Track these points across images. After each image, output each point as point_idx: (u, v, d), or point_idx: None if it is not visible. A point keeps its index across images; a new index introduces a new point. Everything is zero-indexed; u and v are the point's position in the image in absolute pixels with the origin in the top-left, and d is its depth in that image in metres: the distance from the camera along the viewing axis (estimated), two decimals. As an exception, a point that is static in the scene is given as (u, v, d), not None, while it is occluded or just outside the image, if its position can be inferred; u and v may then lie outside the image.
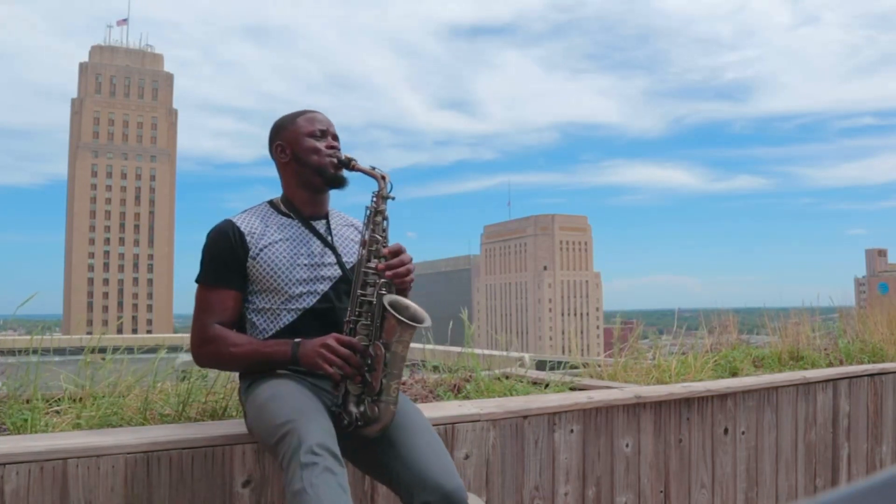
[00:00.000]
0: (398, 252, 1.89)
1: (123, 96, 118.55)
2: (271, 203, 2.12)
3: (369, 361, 1.82)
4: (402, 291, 1.93)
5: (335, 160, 2.03)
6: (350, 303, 1.90)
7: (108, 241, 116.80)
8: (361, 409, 1.81)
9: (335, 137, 2.10)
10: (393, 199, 1.97)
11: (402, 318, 1.79)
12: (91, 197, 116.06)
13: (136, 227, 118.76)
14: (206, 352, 1.97)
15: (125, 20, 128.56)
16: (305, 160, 2.05)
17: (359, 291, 1.88)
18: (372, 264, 1.89)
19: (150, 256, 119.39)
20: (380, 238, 1.92)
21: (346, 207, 2.25)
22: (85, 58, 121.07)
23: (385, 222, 1.96)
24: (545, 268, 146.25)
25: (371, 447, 1.84)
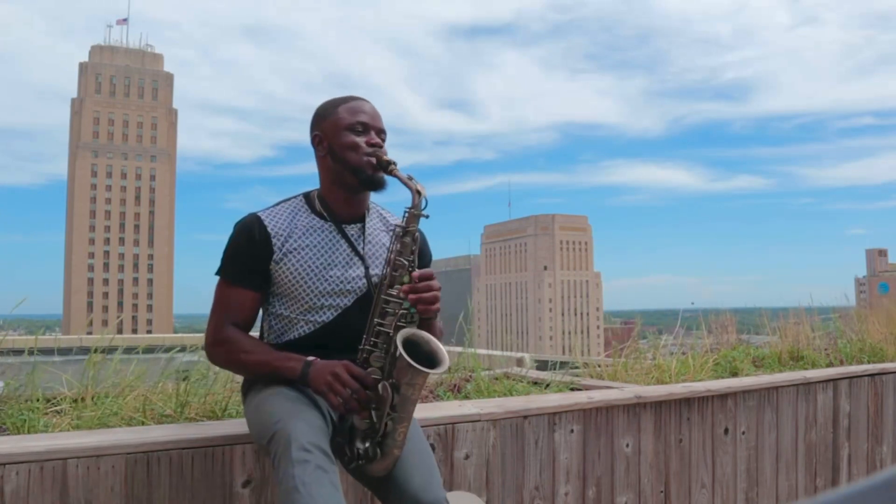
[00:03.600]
0: (428, 278, 1.74)
1: (123, 96, 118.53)
2: (306, 197, 1.97)
3: (374, 402, 1.70)
4: (427, 320, 1.79)
5: (374, 160, 1.86)
6: (366, 330, 1.76)
7: (108, 241, 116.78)
8: (365, 446, 1.70)
9: (380, 132, 1.92)
10: (427, 217, 1.80)
11: (414, 364, 1.62)
12: (91, 197, 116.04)
13: (136, 227, 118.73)
14: (219, 352, 1.90)
15: (125, 20, 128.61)
16: (342, 157, 1.88)
17: (376, 320, 1.74)
18: (394, 291, 1.73)
19: (150, 256, 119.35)
20: (406, 262, 1.76)
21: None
22: (85, 58, 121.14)
23: (415, 244, 1.79)
24: (545, 268, 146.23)
25: None
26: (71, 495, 1.78)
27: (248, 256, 1.87)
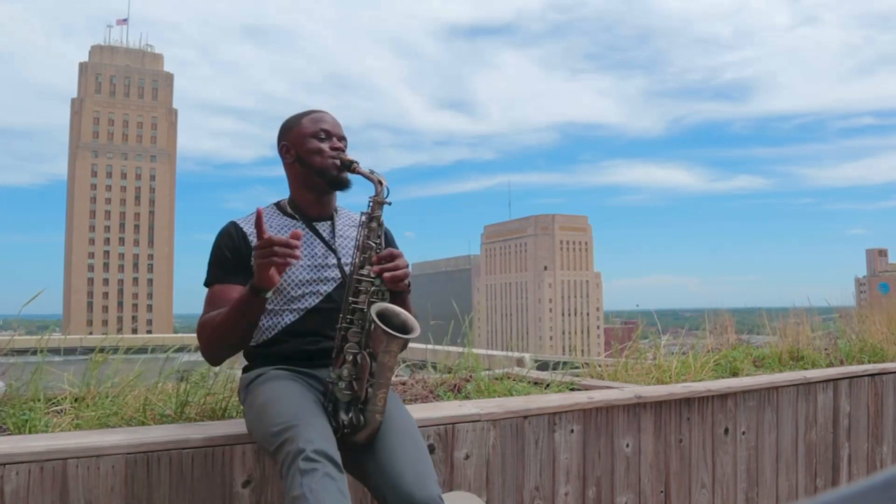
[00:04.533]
0: (392, 257, 1.88)
1: (123, 96, 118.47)
2: (277, 205, 2.13)
3: (356, 370, 1.80)
4: (399, 295, 1.92)
5: (338, 162, 2.02)
6: (342, 309, 1.88)
7: (108, 241, 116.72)
8: (349, 416, 1.79)
9: (341, 139, 2.08)
10: (389, 204, 1.96)
11: (387, 330, 1.77)
12: (91, 197, 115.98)
13: (136, 227, 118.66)
14: (204, 335, 1.94)
15: (125, 20, 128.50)
16: (308, 161, 2.04)
17: (350, 298, 1.87)
18: (365, 271, 1.88)
19: (150, 256, 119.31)
20: (374, 245, 1.91)
21: (349, 206, 2.27)
22: (85, 58, 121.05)
23: (380, 228, 1.95)
24: (545, 268, 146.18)
25: (355, 451, 1.82)
26: (71, 495, 1.78)
27: (229, 256, 2.01)
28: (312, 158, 2.04)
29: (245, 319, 1.87)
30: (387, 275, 1.85)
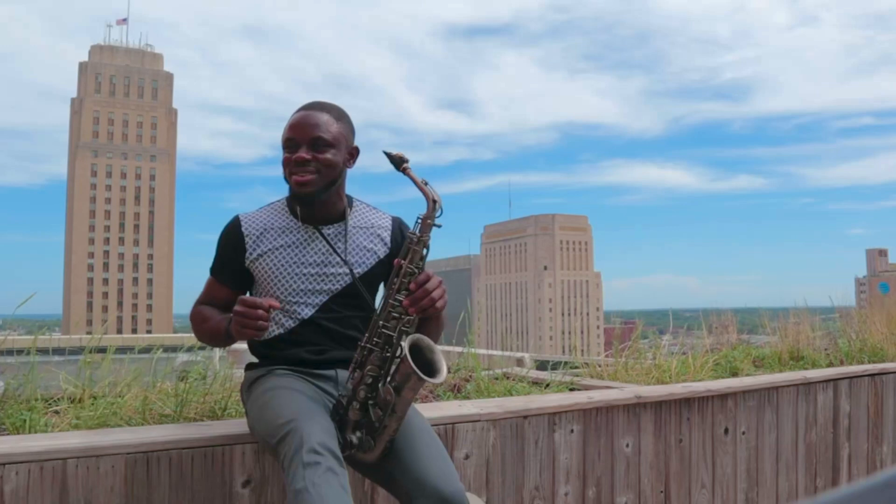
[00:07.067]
0: (423, 283, 1.74)
1: (123, 96, 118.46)
2: (289, 200, 2.04)
3: (375, 398, 1.77)
4: (433, 315, 1.82)
5: (299, 178, 1.88)
6: (369, 329, 1.81)
7: (107, 241, 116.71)
8: (358, 436, 1.77)
9: (314, 141, 1.89)
10: (440, 226, 1.80)
11: (420, 374, 1.67)
12: (91, 197, 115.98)
13: (136, 227, 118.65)
14: (193, 326, 2.03)
15: (125, 20, 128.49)
16: (285, 175, 1.97)
17: (381, 322, 1.78)
18: (401, 296, 1.76)
19: (150, 256, 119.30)
20: (415, 270, 1.78)
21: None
22: (85, 57, 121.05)
23: (425, 250, 1.80)
24: (545, 268, 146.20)
25: None
26: (71, 495, 1.78)
27: (225, 254, 2.01)
28: (284, 172, 1.95)
29: (220, 345, 2.00)
30: (411, 309, 1.74)
